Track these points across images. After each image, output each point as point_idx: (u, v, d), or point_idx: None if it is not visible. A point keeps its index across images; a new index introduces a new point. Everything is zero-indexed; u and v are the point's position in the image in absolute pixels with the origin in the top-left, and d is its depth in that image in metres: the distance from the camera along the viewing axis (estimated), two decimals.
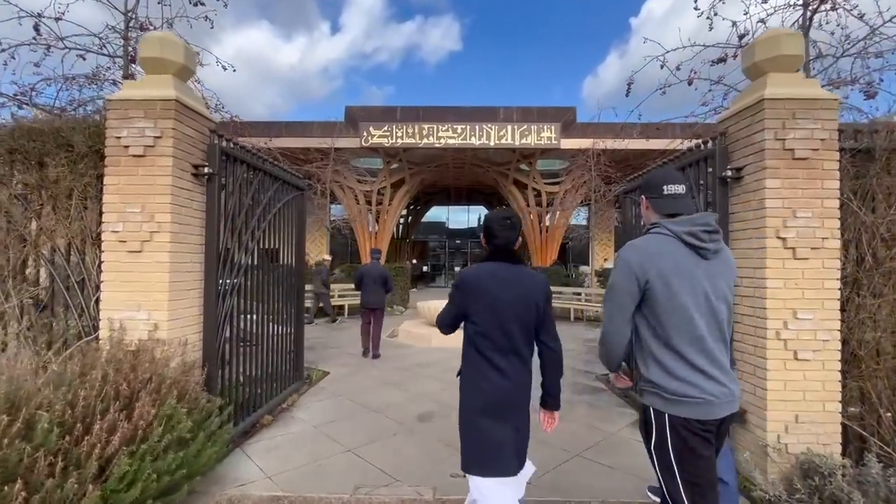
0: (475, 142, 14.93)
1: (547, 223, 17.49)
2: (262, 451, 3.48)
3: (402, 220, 25.04)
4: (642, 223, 2.05)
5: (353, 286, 10.72)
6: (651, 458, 1.63)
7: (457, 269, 25.62)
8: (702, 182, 3.58)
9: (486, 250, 2.05)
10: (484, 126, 14.90)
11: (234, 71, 5.73)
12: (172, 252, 3.03)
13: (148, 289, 2.99)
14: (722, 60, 5.10)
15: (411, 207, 24.96)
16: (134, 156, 3.00)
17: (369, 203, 17.38)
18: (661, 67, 5.84)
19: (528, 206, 17.61)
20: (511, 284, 1.90)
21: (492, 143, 14.92)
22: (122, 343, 2.85)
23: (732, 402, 1.56)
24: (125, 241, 2.99)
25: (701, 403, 1.51)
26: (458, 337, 2.08)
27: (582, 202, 16.70)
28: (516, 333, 1.88)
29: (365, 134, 15.08)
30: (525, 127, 14.91)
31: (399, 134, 15.03)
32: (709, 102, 5.34)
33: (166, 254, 3.00)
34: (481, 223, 2.21)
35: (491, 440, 1.85)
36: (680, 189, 1.67)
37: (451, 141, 14.96)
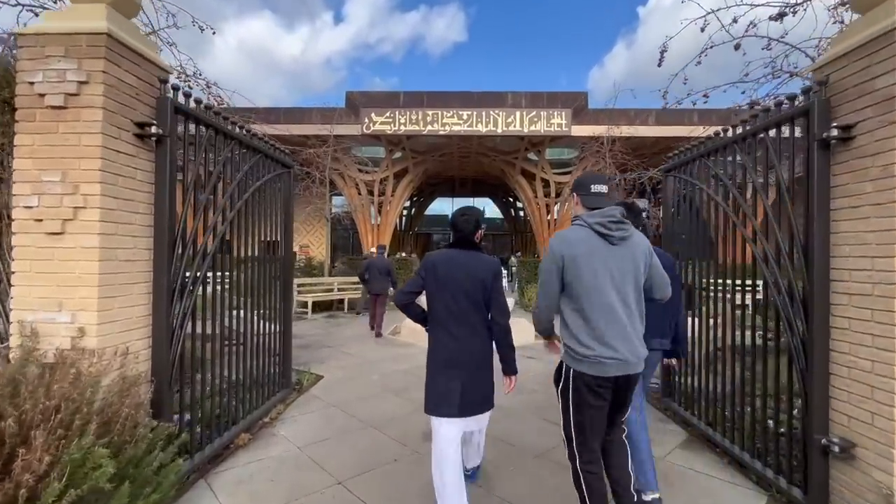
0: (482, 129, 14.10)
1: (555, 215, 16.69)
2: (231, 485, 2.75)
3: (405, 212, 24.28)
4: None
5: (352, 280, 10.05)
6: (558, 399, 2.04)
7: None
8: (786, 154, 2.83)
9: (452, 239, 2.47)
10: (491, 112, 14.06)
11: (214, 33, 4.96)
12: (105, 235, 2.28)
13: (71, 283, 2.24)
14: (782, 15, 4.28)
15: (414, 199, 24.19)
16: (52, 107, 2.24)
17: (371, 193, 16.61)
18: (702, 31, 5.05)
19: (535, 196, 16.80)
20: (463, 266, 2.29)
21: (499, 131, 14.09)
22: (34, 353, 2.12)
23: (624, 365, 1.88)
24: (41, 221, 2.24)
25: (595, 363, 1.87)
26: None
27: None
28: (466, 306, 2.27)
29: (366, 121, 14.27)
30: (534, 113, 14.06)
31: (402, 121, 14.21)
32: (770, 64, 4.54)
33: (95, 237, 2.25)
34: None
35: (440, 389, 2.26)
36: (603, 189, 2.01)
37: (456, 128, 14.14)
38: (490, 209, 25.37)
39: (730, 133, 3.30)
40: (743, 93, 4.73)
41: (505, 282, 20.25)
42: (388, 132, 14.23)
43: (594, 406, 1.91)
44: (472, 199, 24.49)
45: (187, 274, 2.73)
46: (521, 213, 24.38)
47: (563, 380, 2.00)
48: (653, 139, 14.20)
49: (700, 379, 3.61)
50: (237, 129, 3.31)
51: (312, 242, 20.27)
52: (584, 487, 1.94)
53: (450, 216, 2.53)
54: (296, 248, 20.65)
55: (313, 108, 14.13)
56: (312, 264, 13.07)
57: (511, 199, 24.54)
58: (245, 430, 3.40)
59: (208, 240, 2.97)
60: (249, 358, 3.62)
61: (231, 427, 3.28)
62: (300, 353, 6.16)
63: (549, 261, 1.96)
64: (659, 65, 5.51)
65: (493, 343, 2.35)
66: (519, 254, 17.65)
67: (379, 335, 7.51)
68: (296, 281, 9.72)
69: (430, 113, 14.08)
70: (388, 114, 14.15)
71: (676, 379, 4.02)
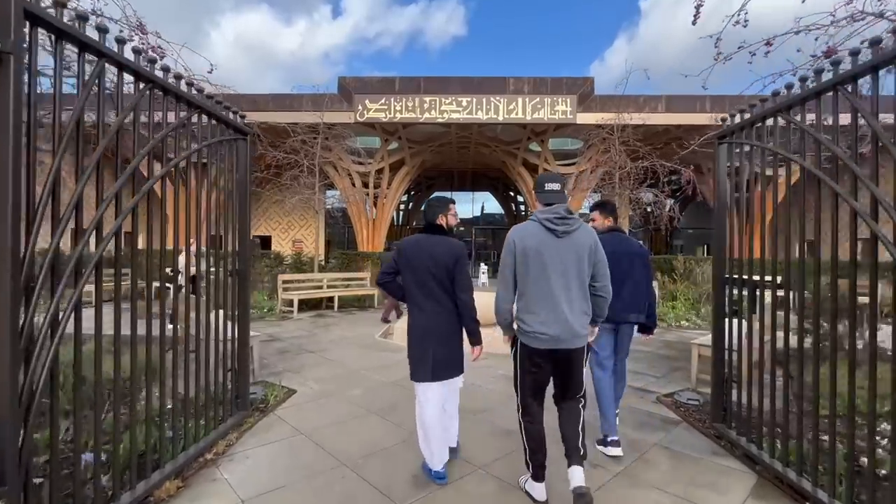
0: (482, 116, 13.18)
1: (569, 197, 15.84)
2: None
3: (402, 206, 23.38)
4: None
5: (343, 276, 9.19)
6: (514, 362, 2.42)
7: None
8: None
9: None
10: (492, 99, 13.15)
11: None
12: None
13: None
14: None
15: (412, 193, 23.30)
16: None
17: (366, 186, 15.71)
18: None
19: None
20: (429, 249, 2.53)
21: (500, 118, 13.18)
22: None
23: (556, 341, 2.17)
24: None
25: (533, 338, 2.20)
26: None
27: (596, 187, 14.98)
28: (432, 285, 2.52)
29: (360, 108, 13.34)
30: (537, 100, 13.14)
31: (398, 108, 13.28)
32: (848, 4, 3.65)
33: None
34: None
35: (416, 357, 2.57)
36: (556, 187, 2.28)
37: (455, 115, 13.22)
38: (490, 204, 24.48)
39: (825, 77, 2.40)
40: (816, 39, 3.83)
41: (485, 277, 19.33)
42: (383, 120, 13.31)
43: (533, 371, 2.27)
44: (471, 192, 23.60)
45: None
46: (523, 207, 23.51)
47: (514, 349, 2.35)
48: (662, 128, 13.31)
49: (767, 397, 2.74)
50: (144, 65, 2.37)
51: (306, 237, 19.37)
52: (523, 432, 2.35)
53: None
54: (289, 244, 19.73)
55: (304, 94, 13.19)
56: (302, 259, 12.17)
57: (512, 193, 23.66)
58: (175, 474, 2.53)
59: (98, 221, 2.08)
60: (190, 375, 2.75)
61: (151, 473, 2.41)
62: (275, 360, 5.30)
63: (505, 252, 2.25)
64: (693, 22, 4.67)
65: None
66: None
67: (387, 321, 7.82)
68: (280, 277, 8.83)
69: (427, 100, 13.17)
70: (382, 100, 13.23)
71: (734, 398, 3.15)
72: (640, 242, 3.39)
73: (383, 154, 15.30)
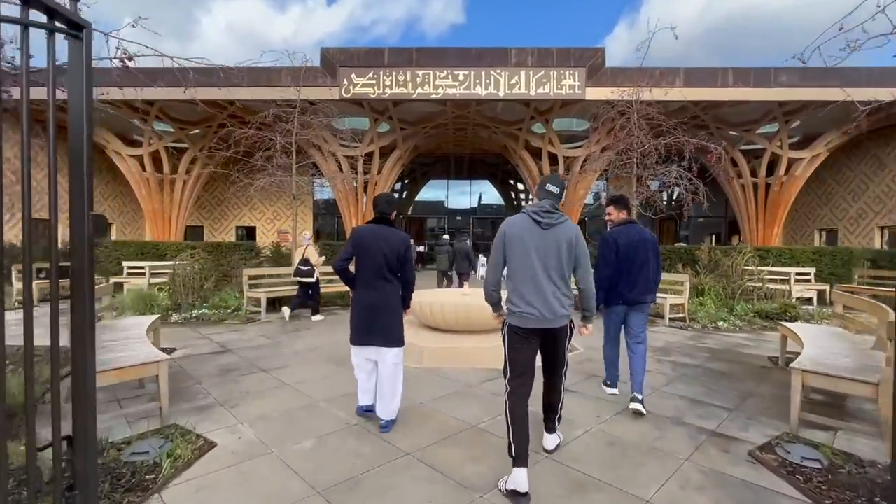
0: (480, 92, 11.66)
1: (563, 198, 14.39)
2: None
3: (395, 195, 21.88)
4: None
5: (324, 269, 7.78)
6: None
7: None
8: None
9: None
10: (492, 72, 11.62)
11: None
12: None
13: None
14: None
15: (406, 182, 21.79)
16: None
17: (354, 171, 14.22)
18: None
19: (541, 175, 14.46)
20: (379, 238, 2.95)
21: (501, 94, 11.67)
22: None
23: (541, 320, 2.32)
24: None
25: (520, 317, 2.34)
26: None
27: (603, 173, 13.52)
28: (382, 266, 2.94)
29: (345, 82, 11.79)
30: (542, 73, 11.63)
31: (387, 82, 11.75)
32: None
33: None
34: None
35: (356, 324, 3.00)
36: (555, 190, 2.41)
37: (451, 91, 11.70)
38: (487, 195, 22.96)
39: None
40: None
41: (483, 270, 17.78)
42: (371, 96, 11.80)
43: (519, 348, 2.39)
44: (468, 181, 22.09)
45: None
46: (523, 196, 22.05)
47: (503, 328, 2.47)
48: (678, 105, 11.84)
49: None
50: None
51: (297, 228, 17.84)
52: (508, 414, 2.36)
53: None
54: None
55: (282, 67, 11.56)
56: (282, 252, 10.73)
57: (512, 182, 22.18)
58: None
59: None
60: None
61: None
62: (211, 385, 3.90)
63: (497, 239, 2.44)
64: None
65: (401, 291, 3.09)
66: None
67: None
68: (246, 272, 7.39)
69: (420, 73, 11.66)
70: (370, 74, 11.71)
71: None
72: (649, 231, 3.69)
73: (373, 136, 13.80)
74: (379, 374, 3.01)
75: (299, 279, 7.06)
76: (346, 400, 3.51)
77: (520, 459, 2.21)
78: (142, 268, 9.47)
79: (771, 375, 4.34)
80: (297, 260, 7.21)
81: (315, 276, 7.14)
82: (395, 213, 3.13)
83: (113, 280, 9.76)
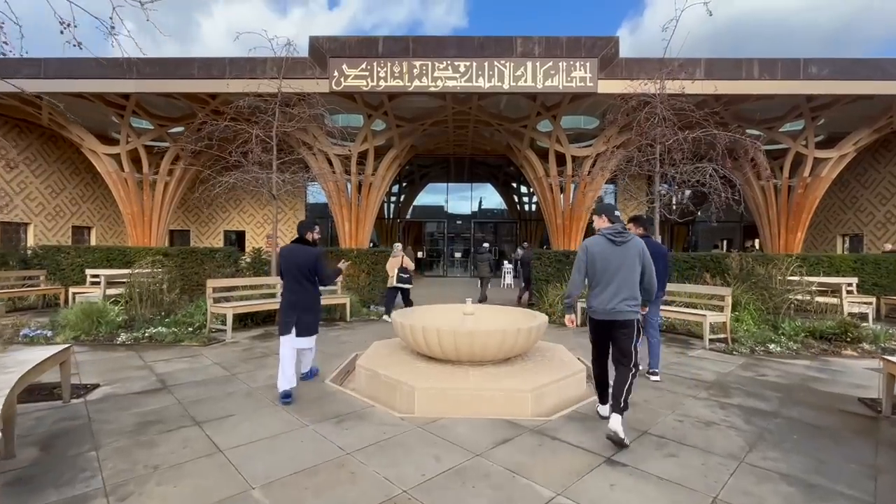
0: (483, 84, 10.52)
1: (570, 199, 13.23)
2: None
3: (392, 199, 20.72)
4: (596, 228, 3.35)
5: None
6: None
7: (457, 255, 21.30)
8: None
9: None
10: (495, 63, 10.49)
11: None
12: None
13: None
14: None
15: (404, 185, 20.66)
16: None
17: (347, 172, 13.09)
18: None
19: (548, 177, 13.32)
20: (299, 254, 3.81)
21: (505, 87, 10.53)
22: None
23: (606, 314, 3.05)
24: None
25: (594, 312, 3.13)
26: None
27: (612, 176, 12.34)
28: (299, 276, 3.79)
29: (336, 74, 10.65)
30: (550, 64, 10.48)
31: (381, 74, 10.61)
32: None
33: None
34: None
35: (284, 320, 3.75)
36: (619, 214, 3.25)
37: (451, 83, 10.55)
38: (490, 199, 21.79)
39: None
40: None
41: (510, 278, 16.64)
42: (364, 89, 10.68)
43: (596, 332, 3.22)
44: (468, 184, 20.94)
45: None
46: (526, 200, 20.91)
47: (588, 321, 3.27)
48: (699, 99, 10.71)
49: None
50: None
51: (285, 233, 16.71)
52: (593, 373, 3.35)
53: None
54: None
55: (267, 58, 10.39)
56: (262, 259, 9.57)
57: (514, 185, 21.05)
58: None
59: None
60: None
61: None
62: (112, 452, 2.70)
63: (581, 254, 3.16)
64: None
65: (317, 293, 3.98)
66: (526, 244, 14.12)
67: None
68: (210, 283, 6.19)
69: (417, 64, 10.53)
70: (363, 65, 10.59)
71: None
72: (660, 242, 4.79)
73: (367, 134, 12.68)
74: (299, 356, 3.93)
75: (399, 286, 8.09)
76: (293, 488, 2.32)
77: (602, 399, 3.37)
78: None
79: (882, 430, 3.16)
80: (393, 271, 8.07)
81: (412, 281, 8.28)
82: (311, 234, 3.95)
83: (73, 290, 8.59)
